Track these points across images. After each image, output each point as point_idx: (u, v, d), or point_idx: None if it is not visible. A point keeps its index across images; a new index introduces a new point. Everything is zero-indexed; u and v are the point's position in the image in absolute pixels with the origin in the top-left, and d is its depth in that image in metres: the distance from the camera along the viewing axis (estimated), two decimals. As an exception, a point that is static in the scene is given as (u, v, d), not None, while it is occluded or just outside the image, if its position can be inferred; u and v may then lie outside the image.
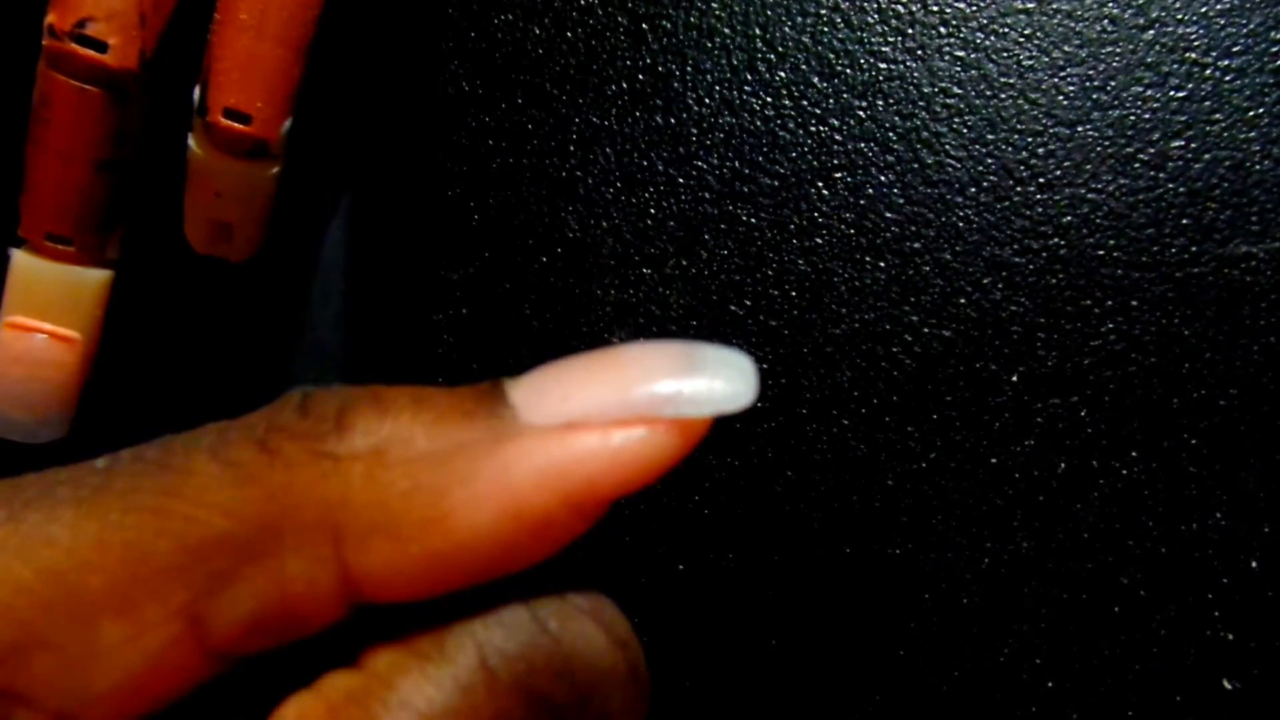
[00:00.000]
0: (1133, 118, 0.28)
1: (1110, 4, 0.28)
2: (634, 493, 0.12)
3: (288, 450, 0.12)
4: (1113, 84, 0.28)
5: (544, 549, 0.12)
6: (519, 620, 0.12)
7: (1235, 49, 0.27)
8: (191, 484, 0.12)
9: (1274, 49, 0.27)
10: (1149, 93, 0.28)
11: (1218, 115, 0.27)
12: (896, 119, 0.29)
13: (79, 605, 0.12)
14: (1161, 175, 0.27)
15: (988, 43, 0.28)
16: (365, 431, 0.12)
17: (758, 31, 0.29)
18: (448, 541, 0.12)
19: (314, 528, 0.12)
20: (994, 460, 0.28)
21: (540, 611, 0.13)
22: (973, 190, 0.28)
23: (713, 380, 0.12)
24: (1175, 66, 0.28)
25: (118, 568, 0.12)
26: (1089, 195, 0.28)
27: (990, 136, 0.28)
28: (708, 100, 0.29)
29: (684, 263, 0.29)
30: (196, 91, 0.27)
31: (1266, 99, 0.27)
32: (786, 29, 0.29)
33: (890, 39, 0.29)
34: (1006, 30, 0.28)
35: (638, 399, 0.12)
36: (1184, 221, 0.27)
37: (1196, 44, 0.27)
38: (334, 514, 0.12)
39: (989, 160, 0.28)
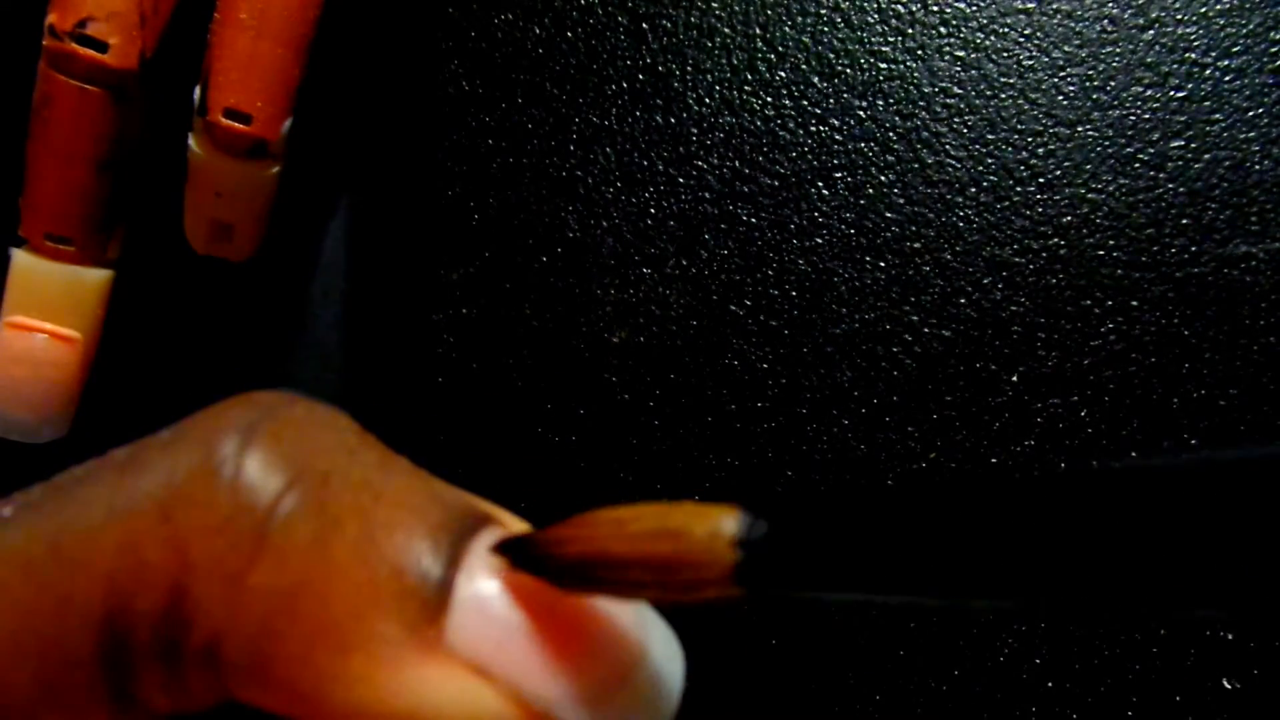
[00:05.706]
0: (1133, 118, 0.28)
1: (1110, 4, 0.28)
2: None
3: (194, 551, 0.11)
4: (1113, 84, 0.28)
5: None
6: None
7: (1235, 49, 0.27)
8: (81, 552, 0.11)
9: (1274, 49, 0.27)
10: (1149, 93, 0.28)
11: (1217, 115, 0.27)
12: (896, 119, 0.29)
13: None
14: (1161, 175, 0.27)
15: (988, 43, 0.28)
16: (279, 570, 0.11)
17: (758, 31, 0.29)
18: (310, 714, 0.11)
19: (196, 636, 0.11)
20: (994, 460, 0.28)
21: None
22: (973, 190, 0.28)
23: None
24: (1175, 67, 0.28)
25: (32, 656, 0.11)
26: (1089, 195, 0.28)
27: (990, 136, 0.28)
28: (708, 100, 0.29)
29: (684, 263, 0.29)
30: (196, 91, 0.27)
31: (1266, 99, 0.27)
32: (786, 29, 0.29)
33: (890, 39, 0.29)
34: (1006, 30, 0.28)
35: (551, 703, 0.12)
36: (1184, 221, 0.27)
37: (1196, 44, 0.27)
38: (218, 637, 0.11)
39: (989, 160, 0.28)
